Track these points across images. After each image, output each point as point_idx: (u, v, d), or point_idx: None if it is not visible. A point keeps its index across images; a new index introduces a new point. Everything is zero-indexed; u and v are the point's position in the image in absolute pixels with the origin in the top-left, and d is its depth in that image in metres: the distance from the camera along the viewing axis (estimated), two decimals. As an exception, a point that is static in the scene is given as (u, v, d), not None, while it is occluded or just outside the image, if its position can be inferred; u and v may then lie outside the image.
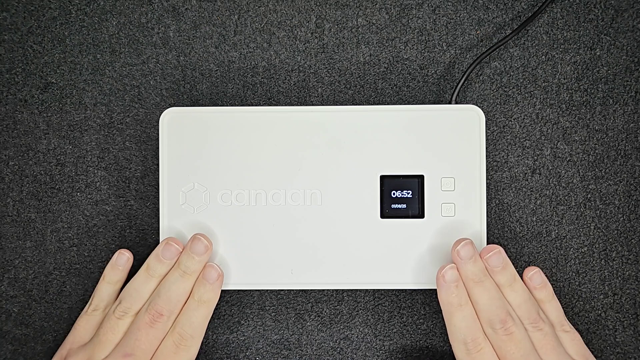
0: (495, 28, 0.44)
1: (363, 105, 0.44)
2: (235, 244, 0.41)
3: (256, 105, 0.44)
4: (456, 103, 0.42)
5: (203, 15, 0.44)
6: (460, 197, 0.40)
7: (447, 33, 0.44)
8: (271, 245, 0.40)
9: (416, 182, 0.40)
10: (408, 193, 0.40)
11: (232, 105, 0.44)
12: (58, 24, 0.44)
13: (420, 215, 0.40)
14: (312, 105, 0.44)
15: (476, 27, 0.44)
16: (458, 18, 0.44)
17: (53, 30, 0.44)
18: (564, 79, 0.44)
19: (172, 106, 0.44)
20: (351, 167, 0.40)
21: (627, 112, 0.44)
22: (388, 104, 0.44)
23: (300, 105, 0.44)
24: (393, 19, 0.44)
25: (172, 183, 0.41)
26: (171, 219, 0.40)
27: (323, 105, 0.44)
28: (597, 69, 0.44)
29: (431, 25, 0.44)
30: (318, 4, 0.44)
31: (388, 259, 0.40)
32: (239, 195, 0.40)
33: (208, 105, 0.44)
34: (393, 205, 0.40)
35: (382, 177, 0.40)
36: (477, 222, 0.40)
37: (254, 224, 0.40)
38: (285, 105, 0.44)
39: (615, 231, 0.44)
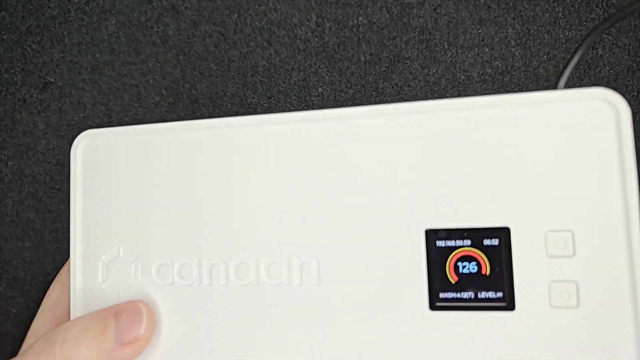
0: (496, 27, 0.44)
1: (363, 105, 0.31)
2: (180, 345, 0.25)
3: (255, 106, 0.44)
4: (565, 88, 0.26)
5: (203, 14, 0.44)
6: (587, 268, 0.21)
7: (448, 32, 0.44)
8: (236, 350, 0.24)
9: (496, 242, 0.22)
10: (480, 262, 0.22)
11: (232, 106, 0.44)
12: (57, 23, 0.44)
13: (508, 305, 0.21)
14: (313, 106, 0.44)
15: (477, 27, 0.44)
16: (459, 17, 0.44)
17: (52, 29, 0.44)
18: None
19: (171, 106, 0.44)
20: (370, 215, 0.23)
21: (629, 112, 0.43)
22: (389, 104, 0.44)
23: (300, 105, 0.44)
24: (394, 18, 0.44)
25: (88, 249, 0.26)
26: (86, 307, 0.26)
27: (323, 106, 0.44)
28: (599, 68, 0.44)
29: (432, 24, 0.44)
30: (318, 2, 0.44)
31: None
32: (184, 268, 0.25)
33: (208, 106, 0.44)
34: (452, 287, 0.22)
35: (429, 233, 0.22)
36: (628, 318, 0.20)
37: (208, 316, 0.24)
38: (285, 105, 0.44)
39: (617, 232, 0.43)
